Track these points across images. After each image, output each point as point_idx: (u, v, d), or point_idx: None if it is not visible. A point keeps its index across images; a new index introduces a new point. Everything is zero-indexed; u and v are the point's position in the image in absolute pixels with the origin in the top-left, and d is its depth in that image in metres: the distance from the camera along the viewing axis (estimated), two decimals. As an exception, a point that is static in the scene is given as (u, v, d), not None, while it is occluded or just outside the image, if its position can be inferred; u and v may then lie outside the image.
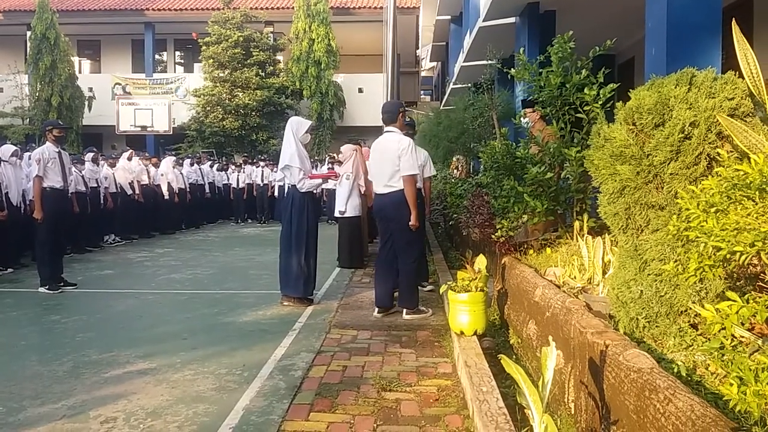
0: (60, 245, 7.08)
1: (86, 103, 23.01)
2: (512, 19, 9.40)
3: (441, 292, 4.45)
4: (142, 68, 25.90)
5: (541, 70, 4.41)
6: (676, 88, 2.33)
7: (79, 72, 25.36)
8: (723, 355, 2.13)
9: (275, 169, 17.28)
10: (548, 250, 4.70)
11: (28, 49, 21.94)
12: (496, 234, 4.57)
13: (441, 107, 18.56)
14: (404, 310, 5.39)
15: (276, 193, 16.92)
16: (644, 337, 2.63)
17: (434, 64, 36.86)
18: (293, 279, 5.87)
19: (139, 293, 6.71)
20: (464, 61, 12.28)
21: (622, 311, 2.74)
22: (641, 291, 2.59)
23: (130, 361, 4.23)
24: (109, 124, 23.46)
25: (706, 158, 2.29)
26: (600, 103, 4.19)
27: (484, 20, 9.20)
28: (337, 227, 8.73)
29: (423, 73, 41.41)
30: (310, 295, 6.03)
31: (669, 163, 2.34)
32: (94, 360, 4.25)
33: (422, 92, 39.88)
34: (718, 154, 2.26)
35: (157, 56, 27.12)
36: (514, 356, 4.22)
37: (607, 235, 4.11)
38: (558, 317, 3.10)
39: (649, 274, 2.54)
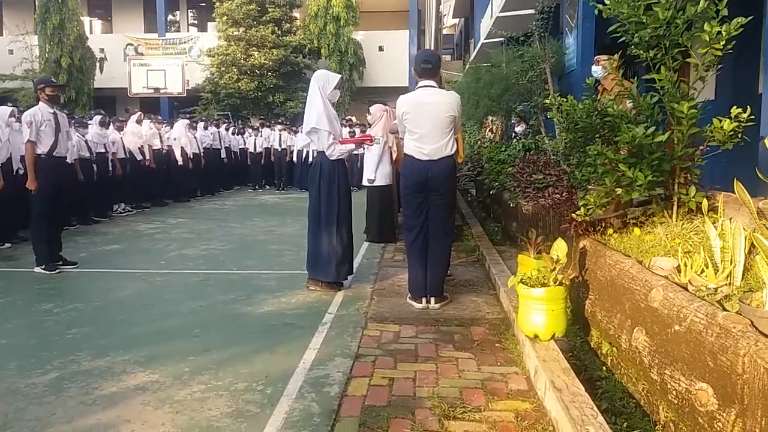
0: (58, 219, 6.29)
1: (97, 64, 22.13)
2: (562, -40, 8.30)
3: (509, 286, 3.60)
4: (155, 28, 24.92)
5: (638, 2, 3.44)
6: None
7: (90, 32, 24.46)
8: None
9: (293, 133, 16.47)
10: (637, 230, 3.80)
11: (36, 8, 20.98)
12: (579, 212, 3.68)
13: (467, 66, 17.39)
14: (433, 299, 4.56)
15: (294, 158, 16.06)
16: None
17: (456, 21, 35.26)
18: (323, 261, 5.03)
19: (147, 274, 5.93)
20: (501, 12, 11.14)
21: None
22: None
23: (128, 369, 3.44)
24: (121, 86, 22.61)
25: None
26: (722, 43, 3.22)
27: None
28: (364, 195, 7.87)
29: (444, 31, 39.75)
30: (343, 278, 5.20)
31: None
32: (85, 368, 3.47)
33: (443, 51, 38.29)
34: None
35: (170, 16, 26.09)
36: (603, 366, 3.38)
37: (723, 215, 3.21)
38: (703, 337, 2.23)
39: None
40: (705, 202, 3.26)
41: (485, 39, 13.94)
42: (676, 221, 3.62)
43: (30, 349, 3.84)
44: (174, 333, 4.13)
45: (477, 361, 3.55)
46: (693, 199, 3.52)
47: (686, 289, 2.66)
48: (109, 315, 4.58)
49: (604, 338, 3.43)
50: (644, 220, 3.86)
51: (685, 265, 2.83)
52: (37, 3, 20.86)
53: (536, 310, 3.39)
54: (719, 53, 3.25)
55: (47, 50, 20.82)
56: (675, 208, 3.66)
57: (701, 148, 3.56)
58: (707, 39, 3.22)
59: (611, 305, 3.30)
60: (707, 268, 2.74)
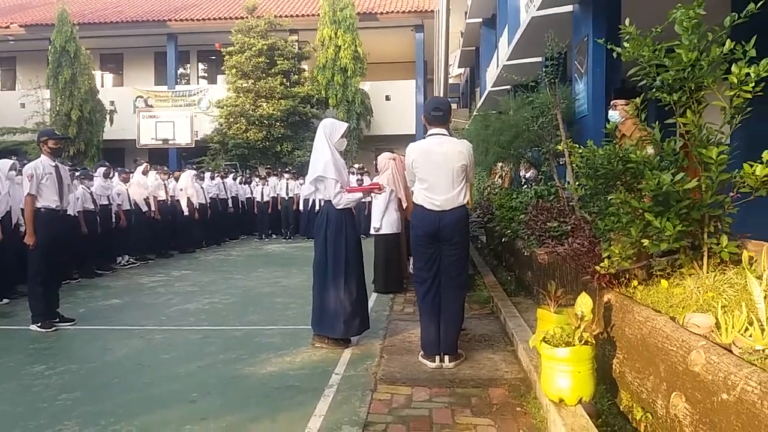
0: (55, 275, 6.09)
1: (107, 116, 22.35)
2: (569, 8, 8.28)
3: (531, 345, 3.34)
4: (165, 81, 25.28)
5: (659, 45, 3.29)
6: None
7: (102, 86, 24.83)
8: None
9: (300, 181, 16.40)
10: (664, 283, 3.54)
11: (49, 62, 21.36)
12: (602, 264, 3.44)
13: (474, 113, 17.42)
14: (447, 357, 4.29)
15: (301, 207, 15.94)
16: None
17: (461, 70, 35.80)
18: (330, 316, 4.78)
19: (145, 331, 5.69)
20: (508, 60, 11.14)
21: None
22: None
23: (117, 441, 3.18)
24: (131, 138, 22.79)
25: None
26: (751, 85, 3.04)
27: (538, 8, 8.07)
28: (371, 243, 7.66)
29: (449, 80, 40.27)
30: (354, 334, 4.93)
31: None
32: (71, 440, 3.21)
33: (449, 99, 38.70)
34: None
35: (180, 70, 26.51)
36: (636, 435, 3.08)
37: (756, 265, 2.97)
38: (758, 409, 1.96)
39: None
40: (745, 254, 3.01)
41: (492, 87, 13.98)
42: (707, 273, 3.36)
43: (16, 417, 3.57)
44: (170, 398, 3.86)
45: (497, 429, 3.26)
46: (725, 249, 3.27)
47: (730, 351, 2.40)
48: (102, 378, 4.31)
49: (636, 402, 3.13)
50: (671, 272, 3.61)
51: (726, 323, 2.57)
52: (49, 58, 21.22)
53: (561, 371, 3.12)
54: (749, 96, 3.07)
55: (58, 103, 21.04)
56: (705, 258, 3.41)
57: (731, 194, 3.34)
58: (735, 81, 3.05)
59: (643, 366, 3.02)
60: (751, 326, 2.48)
